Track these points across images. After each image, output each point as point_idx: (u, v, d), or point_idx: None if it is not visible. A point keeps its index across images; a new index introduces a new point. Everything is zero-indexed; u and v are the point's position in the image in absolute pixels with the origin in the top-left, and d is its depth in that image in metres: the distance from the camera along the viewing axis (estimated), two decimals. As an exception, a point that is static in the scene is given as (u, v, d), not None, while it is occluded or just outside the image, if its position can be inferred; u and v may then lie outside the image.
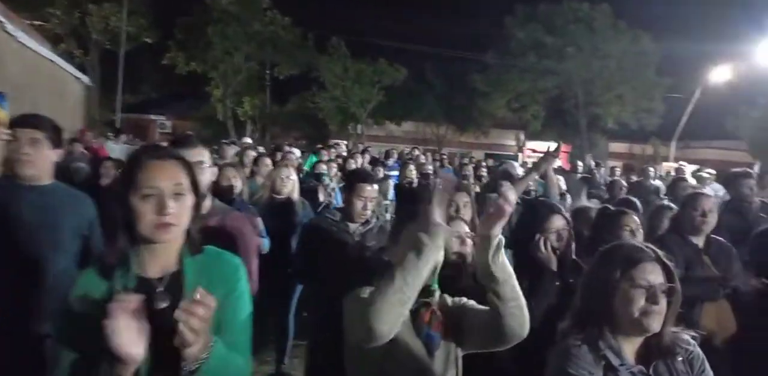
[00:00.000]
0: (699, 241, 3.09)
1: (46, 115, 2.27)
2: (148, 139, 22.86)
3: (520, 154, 28.70)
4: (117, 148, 9.65)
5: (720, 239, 3.17)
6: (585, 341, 1.39)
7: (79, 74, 14.36)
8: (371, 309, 1.43)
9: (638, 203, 4.23)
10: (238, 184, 3.63)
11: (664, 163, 25.44)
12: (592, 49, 22.51)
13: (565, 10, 22.76)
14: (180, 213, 1.30)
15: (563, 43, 22.47)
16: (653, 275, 1.39)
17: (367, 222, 2.86)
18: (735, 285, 2.93)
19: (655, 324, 1.36)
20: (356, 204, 2.77)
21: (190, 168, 1.36)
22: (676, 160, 25.93)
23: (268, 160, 5.19)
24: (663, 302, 1.36)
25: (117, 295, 1.18)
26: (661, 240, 3.07)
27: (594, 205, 3.81)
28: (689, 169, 12.91)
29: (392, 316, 1.43)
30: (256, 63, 23.19)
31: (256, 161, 5.22)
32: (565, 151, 28.98)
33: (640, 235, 2.77)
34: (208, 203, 2.22)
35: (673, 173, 11.21)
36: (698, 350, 1.45)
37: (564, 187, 6.87)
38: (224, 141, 8.05)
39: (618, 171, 9.58)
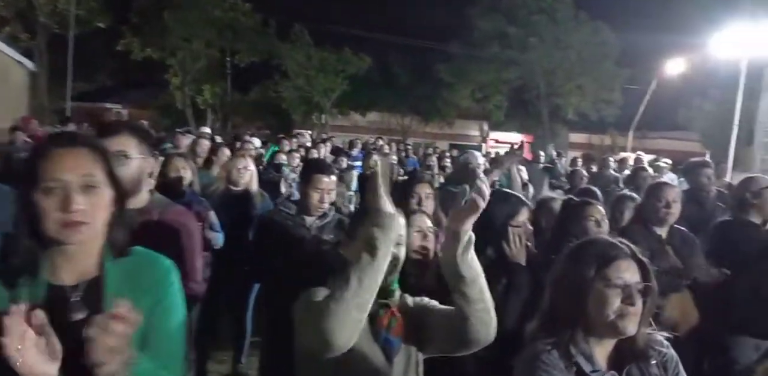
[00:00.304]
0: (662, 231, 3.06)
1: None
2: (102, 128, 21.80)
3: (483, 145, 28.95)
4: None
5: (683, 229, 3.16)
6: (555, 345, 1.28)
7: (22, 59, 13.43)
8: (327, 318, 1.28)
9: (598, 192, 4.22)
10: (187, 175, 3.41)
11: (622, 153, 26.09)
12: (554, 40, 22.75)
13: (528, 1, 22.90)
14: (92, 210, 1.11)
15: (525, 34, 22.63)
16: (629, 274, 1.28)
17: (324, 215, 2.71)
18: (696, 276, 2.92)
19: (631, 327, 1.26)
20: (312, 196, 2.61)
21: (107, 158, 1.17)
22: (633, 150, 26.69)
23: (227, 150, 4.96)
24: (639, 302, 1.26)
25: (12, 306, 0.98)
26: (624, 231, 3.03)
27: (557, 195, 3.77)
28: (646, 158, 13.18)
29: (350, 324, 1.29)
30: (216, 50, 22.47)
31: (214, 151, 4.98)
32: (527, 142, 29.45)
33: (605, 225, 2.72)
34: (145, 197, 2.02)
35: (632, 163, 11.43)
36: (672, 351, 1.36)
37: (526, 177, 6.87)
38: (179, 130, 7.70)
39: (579, 161, 9.68)
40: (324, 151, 8.07)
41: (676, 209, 2.96)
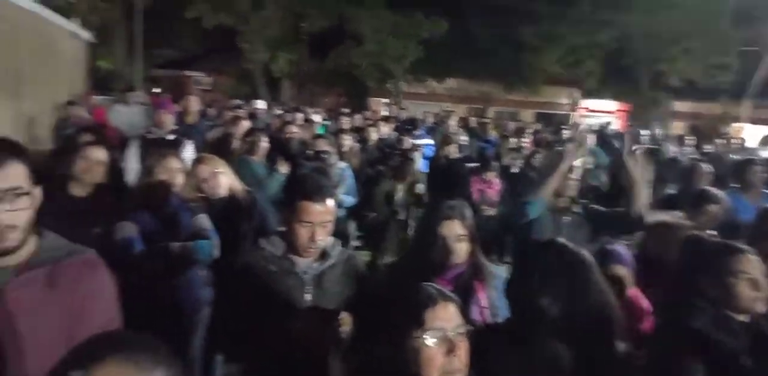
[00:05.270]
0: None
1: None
2: (184, 96, 22.00)
3: (572, 114, 26.70)
4: (125, 112, 8.70)
5: None
6: None
7: (75, 29, 12.70)
8: None
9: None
10: (178, 179, 2.67)
11: (735, 125, 23.08)
12: (656, -2, 19.99)
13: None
14: None
15: (622, -10, 20.05)
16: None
17: (325, 255, 1.85)
18: None
19: None
20: (299, 232, 1.75)
21: None
22: (749, 121, 23.49)
23: (262, 137, 4.08)
24: None
25: None
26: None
27: (671, 217, 2.70)
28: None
29: None
30: (291, 15, 21.78)
31: (249, 134, 4.14)
32: (622, 110, 26.77)
33: (765, 289, 1.70)
34: (29, 247, 1.28)
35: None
36: None
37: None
38: (235, 103, 6.98)
39: (691, 141, 8.02)
40: (385, 131, 7.21)
41: None
